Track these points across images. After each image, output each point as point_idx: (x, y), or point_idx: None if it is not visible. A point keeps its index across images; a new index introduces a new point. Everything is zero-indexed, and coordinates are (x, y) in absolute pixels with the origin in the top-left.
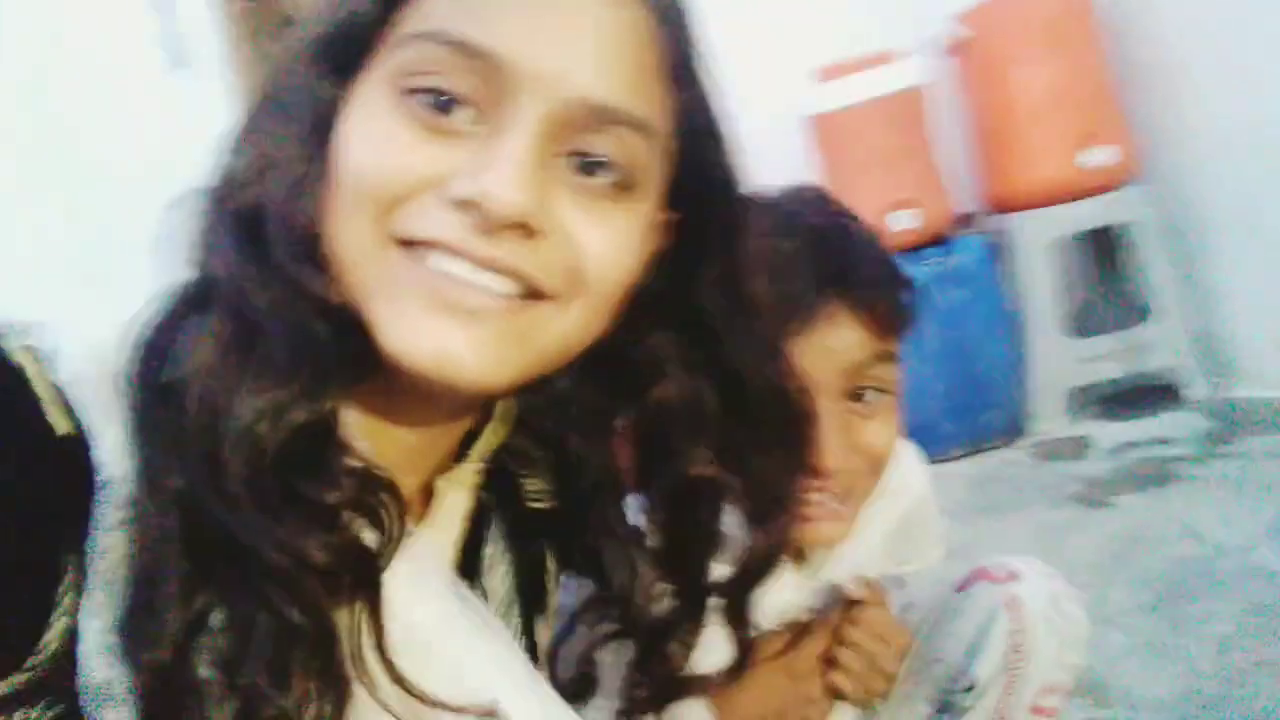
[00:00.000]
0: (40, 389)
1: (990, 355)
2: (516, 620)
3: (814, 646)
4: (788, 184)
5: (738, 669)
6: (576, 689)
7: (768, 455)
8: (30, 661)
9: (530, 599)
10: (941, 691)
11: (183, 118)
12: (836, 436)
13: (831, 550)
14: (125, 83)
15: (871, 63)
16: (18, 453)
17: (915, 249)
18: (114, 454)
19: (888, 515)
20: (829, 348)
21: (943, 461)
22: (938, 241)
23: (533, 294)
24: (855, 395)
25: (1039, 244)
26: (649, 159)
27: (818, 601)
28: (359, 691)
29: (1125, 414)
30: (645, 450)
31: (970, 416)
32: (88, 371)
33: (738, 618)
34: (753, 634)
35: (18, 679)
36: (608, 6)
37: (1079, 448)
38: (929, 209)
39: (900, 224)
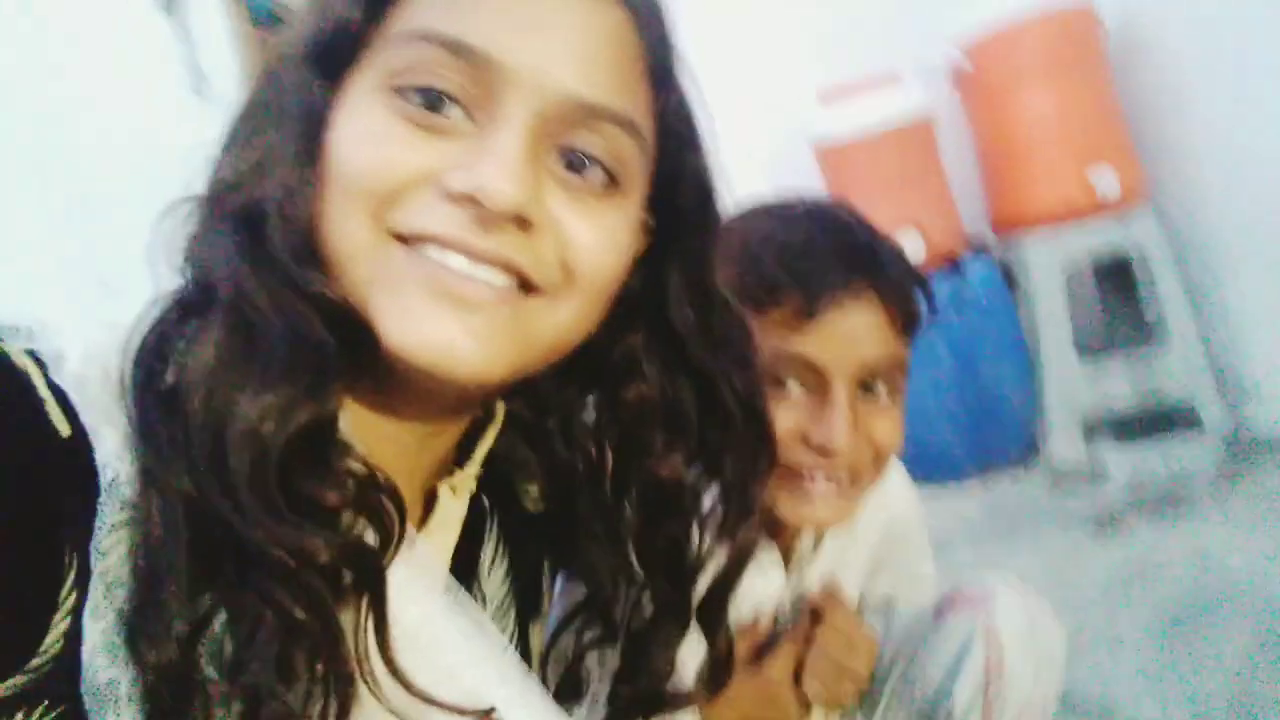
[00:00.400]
0: (43, 392)
1: (1003, 379)
2: (512, 623)
3: (787, 655)
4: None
5: (719, 680)
6: (566, 693)
7: (738, 458)
8: (31, 663)
9: (526, 602)
10: (920, 717)
11: (203, 139)
12: (847, 420)
13: (819, 547)
14: (145, 104)
15: (877, 86)
16: (21, 454)
17: (926, 273)
18: (115, 456)
19: (872, 526)
20: (852, 331)
21: (956, 485)
22: (949, 265)
23: (526, 287)
24: (867, 387)
25: (1050, 269)
26: (635, 158)
27: (790, 610)
28: (362, 691)
29: (1139, 440)
30: (621, 450)
31: (983, 441)
32: (89, 375)
33: (713, 624)
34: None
35: (18, 680)
36: (592, 9)
37: (1093, 473)
38: (939, 233)
39: (911, 248)
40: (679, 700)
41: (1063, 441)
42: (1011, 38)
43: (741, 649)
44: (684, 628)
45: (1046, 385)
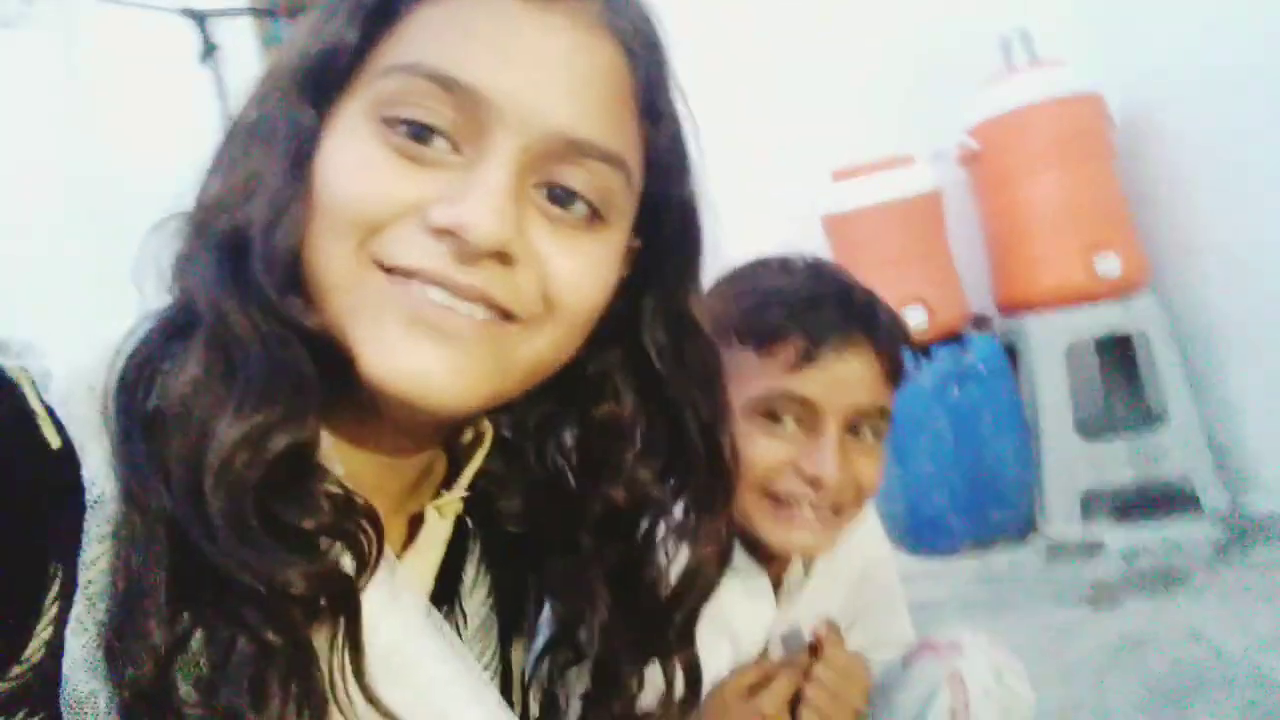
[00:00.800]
0: (35, 405)
1: (1002, 454)
2: (494, 643)
3: (783, 688)
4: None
5: (688, 703)
6: (547, 716)
7: (697, 482)
8: (13, 670)
9: (508, 622)
10: None
11: None
12: (836, 455)
13: (807, 578)
14: (181, 141)
15: (888, 165)
16: (12, 464)
17: (929, 346)
18: (101, 472)
19: (851, 563)
20: (847, 376)
21: (952, 556)
22: (952, 340)
23: (507, 316)
24: (854, 429)
25: (1052, 347)
26: (621, 192)
27: (786, 646)
28: (335, 712)
29: (1136, 517)
30: (588, 468)
31: (981, 514)
32: (76, 392)
33: (676, 646)
34: (731, 669)
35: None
36: (583, 44)
37: (1090, 550)
38: (943, 307)
39: (915, 321)
40: None
41: (1060, 516)
42: (1019, 121)
43: (741, 682)
44: (648, 649)
45: (1045, 461)
